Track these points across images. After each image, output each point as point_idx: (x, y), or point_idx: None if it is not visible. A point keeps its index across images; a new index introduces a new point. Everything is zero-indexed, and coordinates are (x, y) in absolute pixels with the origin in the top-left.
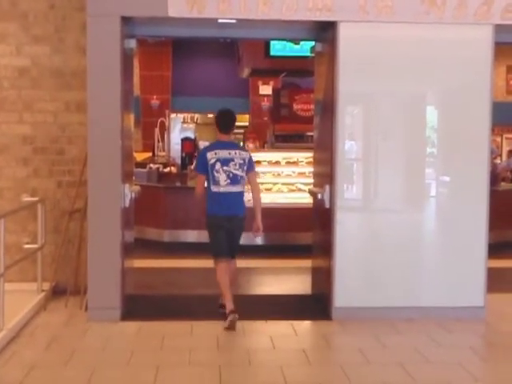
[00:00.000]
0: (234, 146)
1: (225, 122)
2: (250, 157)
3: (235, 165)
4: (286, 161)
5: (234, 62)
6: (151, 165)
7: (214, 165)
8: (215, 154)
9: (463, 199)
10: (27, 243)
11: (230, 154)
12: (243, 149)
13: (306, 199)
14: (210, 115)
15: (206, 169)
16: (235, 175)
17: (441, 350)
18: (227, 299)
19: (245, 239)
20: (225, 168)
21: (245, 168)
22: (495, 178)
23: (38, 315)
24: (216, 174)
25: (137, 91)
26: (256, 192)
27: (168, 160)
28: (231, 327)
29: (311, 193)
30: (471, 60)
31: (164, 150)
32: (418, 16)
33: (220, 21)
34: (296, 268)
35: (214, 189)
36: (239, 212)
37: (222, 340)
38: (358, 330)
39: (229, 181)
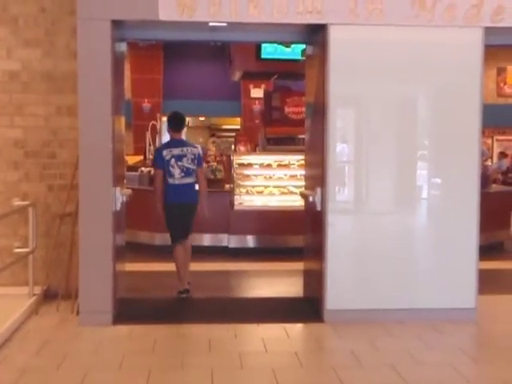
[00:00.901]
0: (185, 143)
1: (176, 122)
2: (200, 153)
3: (188, 160)
4: (277, 163)
5: (225, 65)
6: (142, 168)
7: (169, 161)
8: (170, 151)
9: (454, 201)
10: (18, 247)
11: (182, 150)
12: (194, 145)
13: (297, 202)
14: (202, 118)
15: (162, 165)
16: (188, 168)
17: (432, 351)
18: (182, 278)
19: (238, 242)
20: (179, 163)
21: (196, 162)
22: (486, 179)
23: (29, 319)
24: (171, 168)
25: (128, 95)
26: (202, 185)
27: None
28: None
29: (303, 195)
30: (461, 62)
31: None
32: (408, 19)
33: (211, 24)
34: (288, 271)
35: (170, 181)
36: (192, 200)
37: (214, 343)
38: (350, 333)
39: (183, 174)
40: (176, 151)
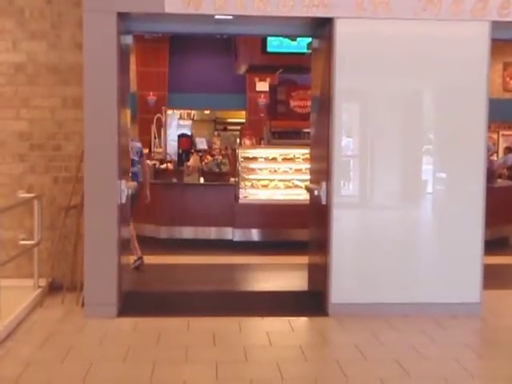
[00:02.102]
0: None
1: None
2: (141, 147)
3: (132, 152)
4: (282, 157)
5: (230, 59)
6: (148, 161)
7: None
8: None
9: (459, 196)
10: (23, 239)
11: None
12: (136, 140)
13: (302, 196)
14: (207, 112)
15: None
16: (133, 160)
17: (437, 346)
18: (135, 248)
19: (242, 235)
20: None
21: (138, 155)
22: (491, 174)
23: (34, 311)
24: None
25: (133, 87)
26: (145, 173)
27: (164, 156)
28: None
29: (308, 189)
30: (468, 57)
31: (160, 147)
32: (415, 12)
33: (216, 17)
34: (292, 264)
35: None
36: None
37: (219, 336)
38: (354, 326)
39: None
40: None
